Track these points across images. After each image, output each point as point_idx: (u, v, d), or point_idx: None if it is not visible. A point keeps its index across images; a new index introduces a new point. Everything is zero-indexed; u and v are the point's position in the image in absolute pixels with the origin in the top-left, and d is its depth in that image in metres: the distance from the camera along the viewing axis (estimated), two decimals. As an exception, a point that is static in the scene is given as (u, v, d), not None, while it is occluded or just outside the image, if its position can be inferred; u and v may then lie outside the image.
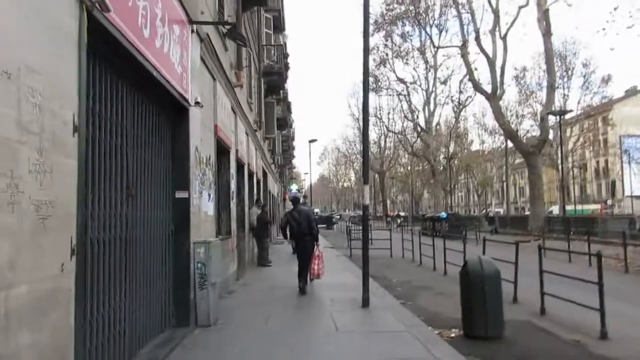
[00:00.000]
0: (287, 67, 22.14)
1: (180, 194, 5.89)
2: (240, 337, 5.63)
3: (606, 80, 45.85)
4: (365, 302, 7.19)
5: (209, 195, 7.51)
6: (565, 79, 45.60)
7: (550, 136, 34.97)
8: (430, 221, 29.79)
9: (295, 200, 9.60)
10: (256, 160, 15.99)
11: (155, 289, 5.26)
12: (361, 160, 77.67)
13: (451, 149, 52.11)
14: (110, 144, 4.11)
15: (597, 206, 52.41)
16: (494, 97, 28.84)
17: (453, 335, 5.98)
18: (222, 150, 9.01)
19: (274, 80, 20.83)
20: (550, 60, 27.43)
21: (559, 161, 47.36)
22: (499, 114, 29.13)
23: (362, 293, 7.26)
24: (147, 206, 5.08)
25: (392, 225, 41.12)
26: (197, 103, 6.00)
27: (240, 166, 11.69)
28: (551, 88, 27.48)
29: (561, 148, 26.54)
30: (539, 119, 42.68)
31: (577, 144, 48.91)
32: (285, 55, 21.60)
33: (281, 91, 23.92)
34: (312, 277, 8.76)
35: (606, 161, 61.78)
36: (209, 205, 7.43)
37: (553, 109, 27.84)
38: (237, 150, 10.76)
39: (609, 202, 59.07)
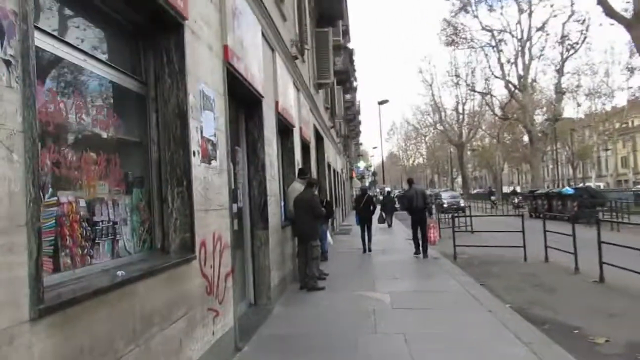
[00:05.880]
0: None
1: None
2: None
3: None
4: None
5: None
6: None
7: None
8: (544, 199, 22.31)
9: (410, 181, 11.33)
10: (299, 108, 9.87)
11: None
12: (434, 132, 69.15)
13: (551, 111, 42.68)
14: None
15: None
16: (636, 23, 20.48)
17: None
18: None
19: (327, 2, 14.54)
20: None
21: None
22: (644, 46, 20.75)
23: None
24: None
25: (497, 206, 33.41)
26: None
27: (239, 87, 5.61)
28: None
29: None
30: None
31: None
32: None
33: (340, 23, 17.47)
34: (431, 244, 10.86)
35: None
36: None
37: None
38: (226, 46, 4.67)
39: None
